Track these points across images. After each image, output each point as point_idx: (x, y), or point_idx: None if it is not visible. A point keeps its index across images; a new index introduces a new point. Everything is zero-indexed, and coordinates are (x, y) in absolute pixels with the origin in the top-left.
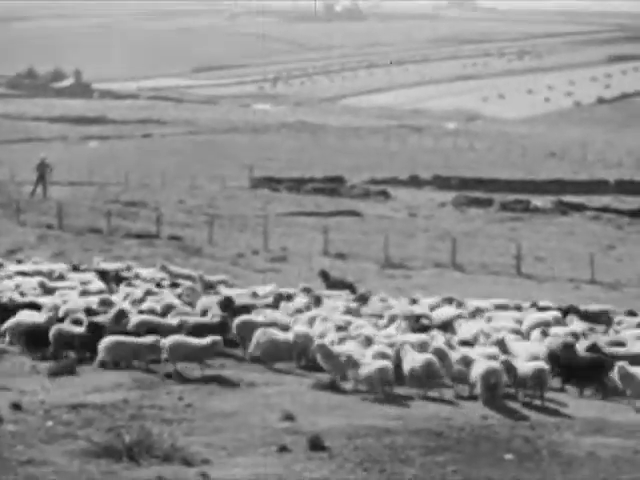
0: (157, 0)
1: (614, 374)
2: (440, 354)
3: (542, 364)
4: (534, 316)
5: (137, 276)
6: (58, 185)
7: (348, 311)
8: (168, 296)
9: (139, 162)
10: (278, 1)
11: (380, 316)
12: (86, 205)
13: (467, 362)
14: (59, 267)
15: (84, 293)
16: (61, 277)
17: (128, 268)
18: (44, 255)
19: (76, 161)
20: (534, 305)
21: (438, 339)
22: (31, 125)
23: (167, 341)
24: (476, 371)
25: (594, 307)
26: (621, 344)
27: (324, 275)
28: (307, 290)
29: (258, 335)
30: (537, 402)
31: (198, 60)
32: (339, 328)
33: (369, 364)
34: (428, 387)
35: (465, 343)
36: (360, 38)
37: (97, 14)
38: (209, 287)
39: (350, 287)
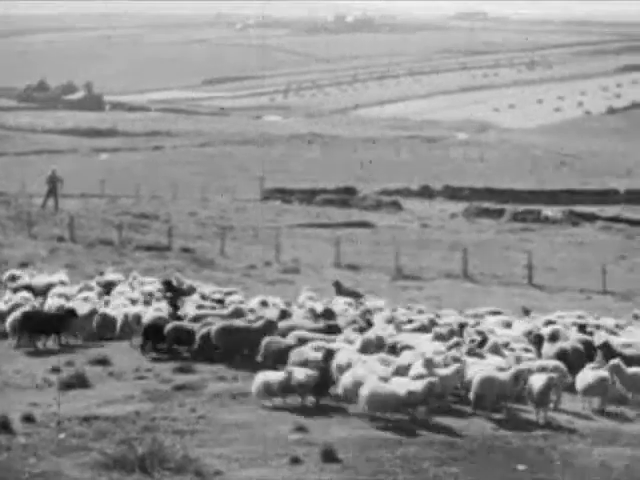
0: (169, 12)
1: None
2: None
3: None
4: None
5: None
6: (69, 197)
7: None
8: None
9: (150, 174)
10: (290, 12)
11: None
12: (97, 217)
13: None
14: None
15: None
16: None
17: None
18: (54, 268)
19: (87, 173)
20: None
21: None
22: (42, 138)
23: None
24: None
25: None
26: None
27: (337, 286)
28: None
29: None
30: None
31: (209, 72)
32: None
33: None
34: None
35: None
36: (371, 49)
37: (108, 26)
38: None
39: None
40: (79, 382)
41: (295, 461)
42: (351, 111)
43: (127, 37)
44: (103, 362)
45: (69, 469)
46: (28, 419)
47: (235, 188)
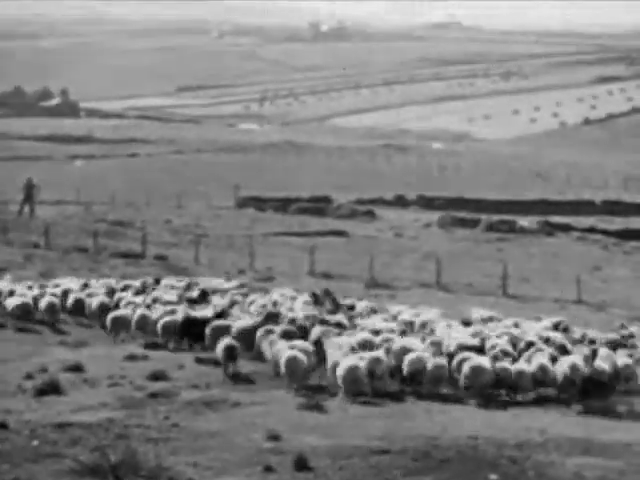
0: (145, 18)
1: None
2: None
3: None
4: None
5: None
6: (44, 204)
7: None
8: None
9: (125, 181)
10: (264, 21)
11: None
12: (73, 224)
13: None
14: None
15: None
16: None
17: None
18: (31, 274)
19: (62, 180)
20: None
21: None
22: (17, 144)
23: None
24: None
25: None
26: None
27: (315, 297)
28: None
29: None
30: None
31: (185, 79)
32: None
33: None
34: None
35: None
36: (346, 58)
37: (85, 33)
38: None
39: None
40: (53, 389)
41: (268, 469)
42: (326, 120)
43: (103, 44)
44: (77, 369)
45: (43, 476)
46: (1, 426)
47: (210, 196)
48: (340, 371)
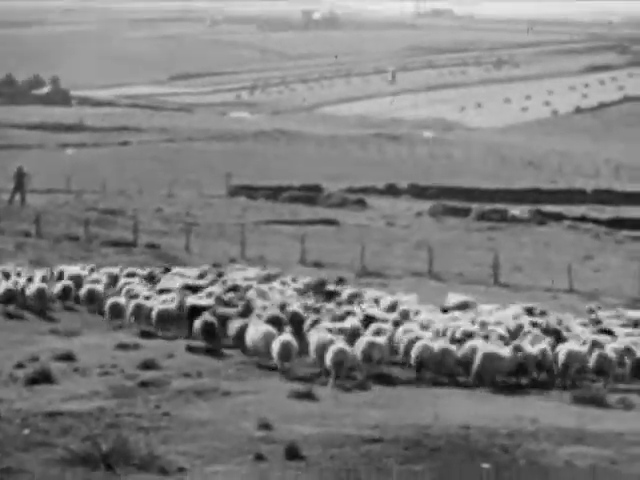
0: (137, 7)
1: None
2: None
3: None
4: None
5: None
6: (36, 193)
7: None
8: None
9: (116, 170)
10: (256, 9)
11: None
12: (64, 213)
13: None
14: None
15: None
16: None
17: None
18: (22, 263)
19: (53, 169)
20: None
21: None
22: (9, 132)
23: None
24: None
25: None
26: None
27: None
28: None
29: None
30: (516, 410)
31: (176, 68)
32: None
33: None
34: None
35: None
36: (338, 47)
37: (75, 22)
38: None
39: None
40: (44, 378)
41: (259, 458)
42: (317, 109)
43: (95, 32)
44: (68, 358)
45: (34, 465)
46: None
47: (201, 184)
48: (329, 354)
